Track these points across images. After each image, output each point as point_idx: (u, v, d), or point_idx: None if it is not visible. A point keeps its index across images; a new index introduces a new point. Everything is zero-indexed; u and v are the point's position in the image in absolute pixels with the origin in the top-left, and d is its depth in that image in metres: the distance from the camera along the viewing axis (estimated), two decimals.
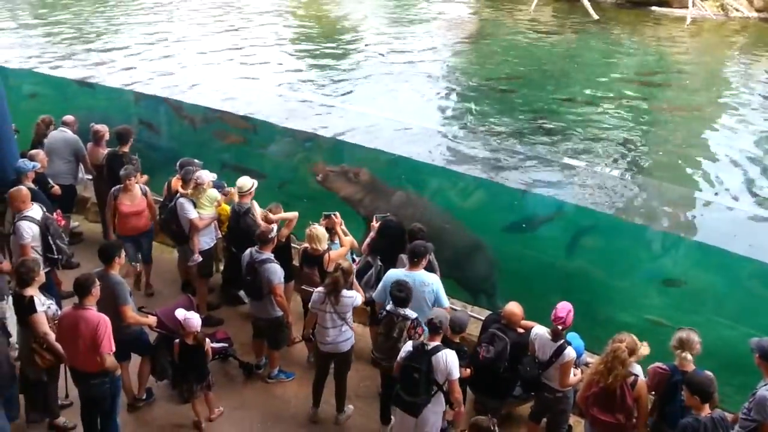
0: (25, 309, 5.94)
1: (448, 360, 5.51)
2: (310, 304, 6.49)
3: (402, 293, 6.05)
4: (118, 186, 8.06)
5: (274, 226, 7.18)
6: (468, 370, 6.00)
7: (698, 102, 16.37)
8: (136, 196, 8.06)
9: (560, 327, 5.80)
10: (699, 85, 17.51)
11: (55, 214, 7.64)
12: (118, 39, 20.25)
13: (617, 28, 21.34)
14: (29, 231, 7.00)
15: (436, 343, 5.58)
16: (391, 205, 8.86)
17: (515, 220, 8.59)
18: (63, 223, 7.81)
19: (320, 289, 6.42)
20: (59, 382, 6.34)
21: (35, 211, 7.18)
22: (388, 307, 6.13)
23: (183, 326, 6.23)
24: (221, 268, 8.68)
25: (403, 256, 6.91)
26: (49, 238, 7.15)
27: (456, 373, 5.56)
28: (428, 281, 6.44)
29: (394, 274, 6.50)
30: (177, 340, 6.34)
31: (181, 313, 6.25)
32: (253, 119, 11.00)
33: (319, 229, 7.01)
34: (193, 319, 6.24)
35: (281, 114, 13.13)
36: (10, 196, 7.21)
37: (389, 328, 6.07)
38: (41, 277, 6.14)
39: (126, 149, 8.83)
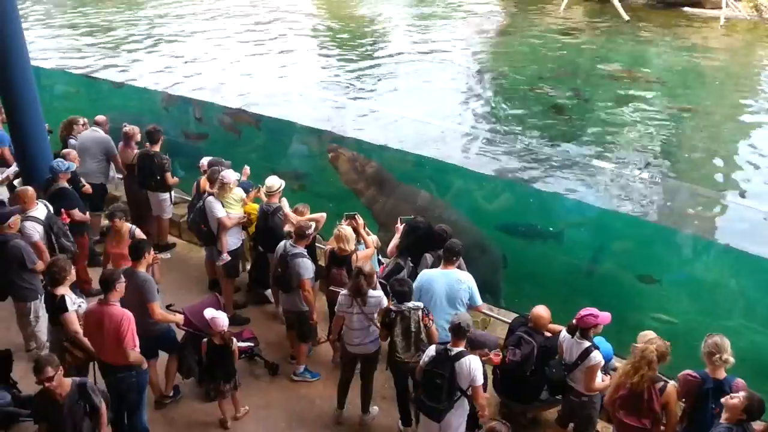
0: (56, 308, 6.04)
1: (472, 366, 5.45)
2: (336, 306, 6.51)
3: (403, 287, 6.07)
4: (107, 225, 7.60)
5: (313, 223, 7.23)
6: (498, 357, 5.95)
7: (730, 103, 16.10)
8: (124, 237, 7.39)
9: (575, 322, 5.77)
10: (731, 87, 17.21)
11: (62, 213, 7.75)
12: (149, 40, 20.50)
13: (648, 28, 21.06)
14: (34, 230, 7.17)
15: (460, 348, 5.52)
16: (398, 200, 9.04)
17: (514, 222, 8.59)
18: (68, 220, 7.75)
19: (346, 291, 6.44)
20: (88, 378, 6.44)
21: (40, 210, 7.36)
22: (394, 307, 6.10)
23: (210, 326, 6.28)
24: (248, 267, 8.75)
25: (427, 255, 6.93)
26: (53, 236, 7.31)
27: (480, 379, 5.49)
28: (463, 279, 6.46)
29: (429, 273, 6.50)
30: (205, 340, 6.40)
31: (209, 313, 6.30)
32: (282, 121, 11.03)
33: (347, 230, 7.03)
34: (220, 318, 6.28)
35: (313, 115, 13.19)
36: (18, 194, 7.38)
37: (406, 324, 6.06)
38: (72, 276, 6.25)
39: (157, 148, 8.96)
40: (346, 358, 6.72)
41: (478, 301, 6.56)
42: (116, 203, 7.83)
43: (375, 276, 6.46)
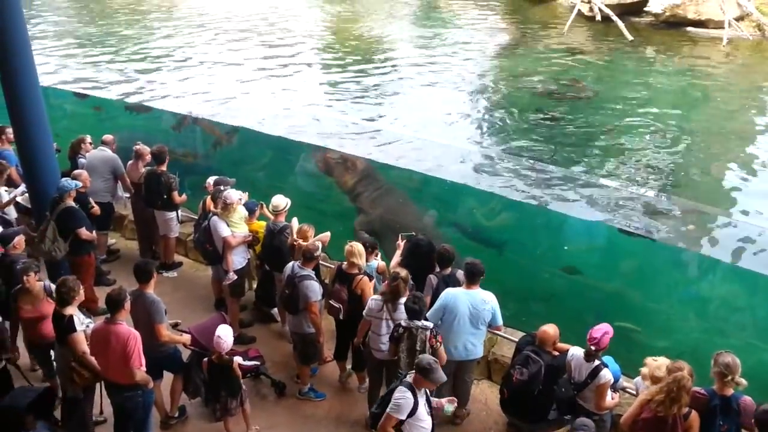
0: (64, 328, 6.02)
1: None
2: (365, 311, 6.57)
3: (416, 305, 6.06)
4: (18, 286, 6.61)
5: (320, 244, 7.25)
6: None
7: (734, 123, 16.11)
8: (38, 297, 6.62)
9: (593, 348, 5.73)
10: (735, 106, 17.24)
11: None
12: (154, 58, 20.65)
13: (652, 48, 21.16)
14: None
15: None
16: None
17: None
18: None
19: (377, 297, 6.51)
20: (95, 398, 6.42)
21: None
22: (404, 323, 6.10)
23: (214, 344, 6.27)
24: (254, 286, 8.75)
25: (432, 277, 6.93)
26: None
27: None
28: (488, 299, 6.47)
29: (453, 293, 6.48)
30: (205, 359, 6.40)
31: (219, 331, 6.29)
32: (281, 138, 11.10)
33: (357, 246, 7.05)
34: (225, 341, 6.24)
35: (317, 132, 13.25)
36: None
37: (412, 342, 6.05)
38: (81, 296, 6.24)
39: (164, 167, 9.01)
40: (372, 365, 6.74)
41: (499, 321, 6.58)
42: (29, 260, 6.92)
43: (410, 283, 6.49)
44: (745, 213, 11.79)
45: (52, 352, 6.66)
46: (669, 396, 5.14)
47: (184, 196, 9.27)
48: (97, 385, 6.23)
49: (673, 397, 5.13)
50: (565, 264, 8.15)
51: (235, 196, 7.93)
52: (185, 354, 6.82)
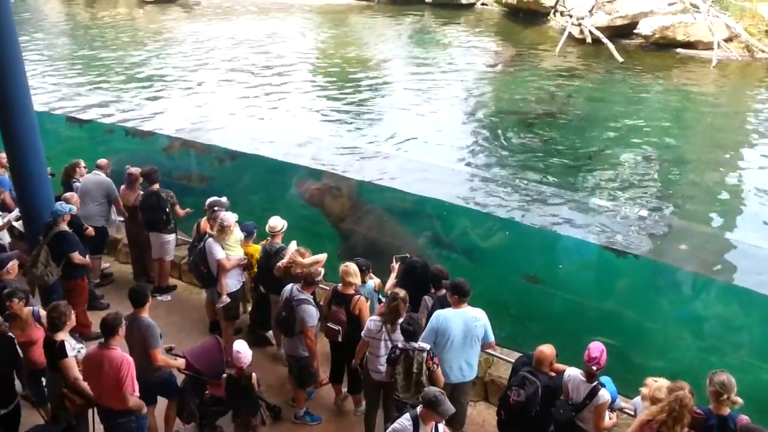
0: (56, 353, 5.97)
1: None
2: (363, 332, 6.56)
3: (411, 327, 6.06)
4: (7, 312, 6.46)
5: (322, 270, 7.23)
6: None
7: (724, 143, 16.25)
8: (27, 322, 6.48)
9: (595, 367, 5.71)
10: (725, 127, 17.40)
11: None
12: (150, 82, 20.75)
13: (642, 70, 21.37)
14: None
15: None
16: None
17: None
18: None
19: (376, 317, 6.50)
20: (88, 424, 6.35)
21: None
22: (401, 345, 6.09)
23: (233, 359, 6.23)
24: (248, 309, 8.71)
25: (426, 298, 6.93)
26: None
27: None
28: (478, 316, 6.46)
29: (444, 314, 6.45)
30: (224, 375, 6.36)
31: (236, 346, 6.28)
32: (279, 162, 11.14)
33: (352, 266, 7.04)
34: (244, 354, 6.24)
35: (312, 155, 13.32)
36: None
37: (408, 364, 6.04)
38: (72, 321, 6.20)
39: (157, 186, 9.01)
40: (369, 387, 6.70)
41: (491, 337, 6.55)
42: (16, 285, 6.72)
43: (407, 302, 6.50)
44: (735, 231, 11.87)
45: (43, 379, 6.58)
46: (671, 415, 5.11)
47: (187, 209, 9.27)
48: (90, 411, 6.17)
49: (675, 416, 5.10)
50: (564, 286, 8.17)
51: (232, 218, 7.93)
52: (179, 379, 6.76)
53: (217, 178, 11.00)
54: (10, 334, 6.17)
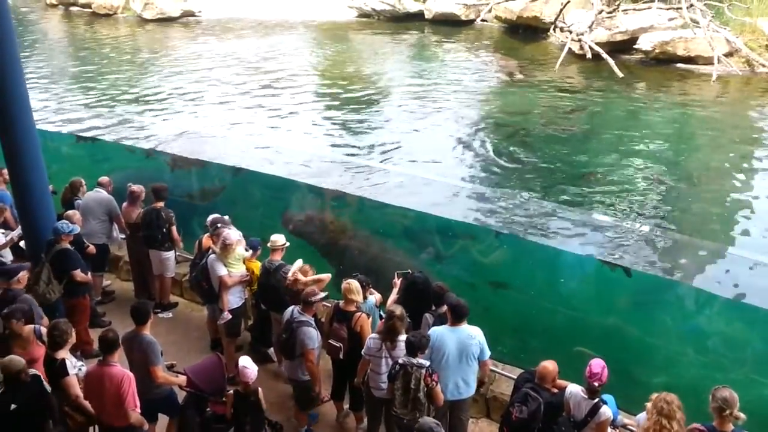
0: (57, 372, 5.97)
1: None
2: (364, 350, 6.55)
3: (415, 340, 6.07)
4: (7, 331, 6.47)
5: (321, 294, 7.20)
6: None
7: (725, 157, 16.25)
8: (28, 340, 6.41)
9: (596, 384, 5.69)
10: (726, 141, 17.41)
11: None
12: (152, 100, 20.87)
13: (643, 85, 21.43)
14: None
15: None
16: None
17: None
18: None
19: (375, 335, 6.50)
20: None
21: None
22: (401, 360, 6.09)
23: (239, 375, 6.20)
24: (249, 324, 8.69)
25: (427, 316, 6.92)
26: None
27: None
28: (474, 334, 6.44)
29: (439, 331, 6.45)
30: (231, 391, 6.32)
31: (241, 362, 6.24)
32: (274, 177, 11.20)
33: (354, 283, 7.03)
34: (251, 369, 6.19)
35: (310, 172, 13.33)
36: None
37: (407, 380, 6.03)
38: (73, 339, 6.21)
39: (162, 204, 9.02)
40: (371, 404, 6.69)
41: (487, 354, 6.53)
42: (15, 305, 6.68)
43: (406, 320, 6.49)
44: (738, 246, 11.83)
45: None
46: (662, 414, 5.17)
47: (180, 238, 9.26)
48: (91, 429, 6.15)
49: (666, 413, 5.15)
50: (565, 302, 8.15)
51: (235, 236, 7.93)
52: (181, 396, 6.74)
53: (220, 195, 11.02)
54: (46, 386, 5.95)
